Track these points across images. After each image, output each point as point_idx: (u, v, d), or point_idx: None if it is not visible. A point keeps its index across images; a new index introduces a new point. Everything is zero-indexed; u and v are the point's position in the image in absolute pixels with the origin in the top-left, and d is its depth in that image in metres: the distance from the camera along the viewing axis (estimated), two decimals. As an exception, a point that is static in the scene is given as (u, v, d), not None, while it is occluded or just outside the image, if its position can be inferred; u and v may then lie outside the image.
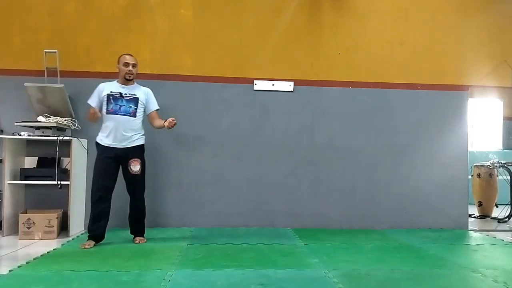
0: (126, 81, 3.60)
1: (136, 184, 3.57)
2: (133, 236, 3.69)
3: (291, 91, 4.50)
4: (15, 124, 3.90)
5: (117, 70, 3.64)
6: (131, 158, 3.51)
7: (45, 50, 4.08)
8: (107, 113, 3.51)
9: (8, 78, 4.19)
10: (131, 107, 3.56)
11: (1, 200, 3.87)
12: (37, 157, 4.15)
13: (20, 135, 3.85)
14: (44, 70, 4.11)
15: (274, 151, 4.47)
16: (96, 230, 3.47)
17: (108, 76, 4.27)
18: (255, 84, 4.47)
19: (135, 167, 3.52)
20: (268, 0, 4.55)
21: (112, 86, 3.59)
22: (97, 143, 3.52)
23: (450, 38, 4.71)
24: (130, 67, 3.58)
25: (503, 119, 6.65)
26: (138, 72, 4.33)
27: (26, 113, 4.04)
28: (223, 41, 4.47)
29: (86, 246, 3.38)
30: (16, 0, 4.29)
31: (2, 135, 3.96)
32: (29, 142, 4.16)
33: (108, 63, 4.33)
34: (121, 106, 3.53)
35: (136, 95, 3.62)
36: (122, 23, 4.38)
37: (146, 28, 4.41)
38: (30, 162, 4.15)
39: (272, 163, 4.46)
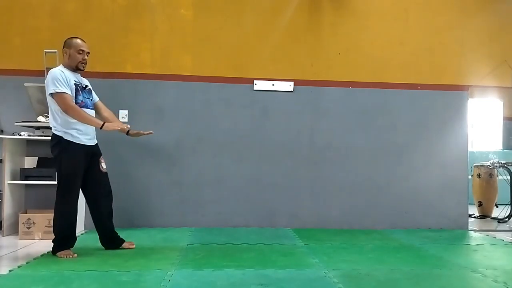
0: (78, 70, 3.19)
1: (107, 183, 3.30)
2: (111, 245, 3.33)
3: (291, 91, 4.50)
4: (15, 124, 3.91)
5: (64, 58, 3.16)
6: (100, 156, 3.28)
7: (45, 50, 4.08)
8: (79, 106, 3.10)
9: (8, 78, 4.19)
10: (91, 100, 3.26)
11: (1, 200, 3.87)
12: (37, 157, 4.15)
13: (20, 135, 3.85)
14: (44, 70, 4.10)
15: (274, 151, 4.47)
16: (74, 237, 3.19)
17: (108, 76, 4.30)
18: (255, 84, 4.47)
19: (104, 164, 3.30)
20: (268, 0, 4.55)
21: (70, 75, 3.12)
22: (68, 141, 3.05)
23: (450, 38, 4.70)
24: (85, 56, 3.18)
25: (503, 119, 6.65)
26: (138, 72, 4.37)
27: (26, 113, 4.04)
28: (223, 41, 4.47)
29: (74, 256, 3.09)
30: (16, 0, 4.29)
31: (2, 135, 3.96)
32: (29, 142, 4.16)
33: (108, 63, 4.34)
34: (87, 98, 3.17)
35: (88, 85, 3.28)
36: (122, 23, 4.38)
37: (146, 28, 4.41)
38: (30, 162, 4.15)
39: (272, 163, 4.46)
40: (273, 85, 4.48)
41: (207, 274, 2.72)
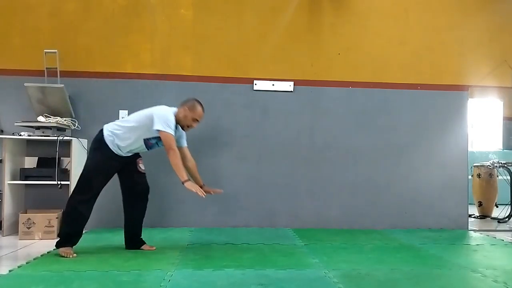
0: (180, 126, 3.28)
1: (146, 183, 3.37)
2: (133, 245, 3.36)
3: (291, 91, 4.50)
4: (15, 124, 3.90)
5: (180, 111, 3.22)
6: (137, 158, 3.33)
7: (45, 50, 4.09)
8: (144, 141, 3.18)
9: (8, 78, 4.19)
10: (157, 145, 3.26)
11: (1, 200, 3.87)
12: (37, 157, 4.15)
13: (20, 135, 3.85)
14: (44, 70, 4.11)
15: (274, 151, 4.47)
16: (80, 235, 3.19)
17: (108, 76, 4.30)
18: (255, 84, 4.47)
19: (143, 165, 3.35)
20: (268, 0, 4.55)
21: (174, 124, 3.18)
22: (107, 146, 3.13)
23: (450, 38, 4.70)
24: (196, 125, 3.31)
25: (503, 119, 6.64)
26: (138, 72, 4.38)
27: (26, 113, 4.04)
28: (223, 41, 4.47)
29: (74, 255, 3.09)
30: (16, 0, 4.29)
31: (2, 135, 3.96)
32: (29, 142, 4.16)
33: (108, 63, 4.34)
34: (153, 144, 3.23)
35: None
36: (122, 23, 4.38)
37: (146, 28, 4.41)
38: (30, 162, 4.15)
39: (272, 163, 4.46)
40: (273, 85, 4.49)
41: (207, 274, 2.72)
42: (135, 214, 3.35)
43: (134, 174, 3.32)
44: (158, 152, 4.34)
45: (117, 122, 3.27)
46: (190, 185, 3.09)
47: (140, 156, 3.37)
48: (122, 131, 3.16)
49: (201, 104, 3.27)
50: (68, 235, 3.14)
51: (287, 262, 3.05)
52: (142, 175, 3.36)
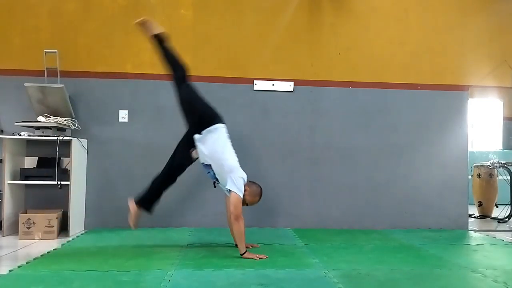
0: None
1: (184, 170, 3.58)
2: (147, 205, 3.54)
3: (291, 91, 4.50)
4: (15, 124, 3.90)
5: (248, 187, 3.32)
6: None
7: (45, 50, 4.09)
8: (206, 164, 3.37)
9: (8, 78, 4.19)
10: (204, 167, 3.43)
11: (1, 200, 3.87)
12: (37, 157, 4.15)
13: (20, 135, 3.85)
14: (44, 70, 4.11)
15: (274, 151, 4.47)
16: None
17: (108, 76, 4.31)
18: (255, 84, 4.47)
19: (196, 154, 3.45)
20: (268, 0, 4.55)
21: None
22: (203, 126, 3.38)
23: (450, 38, 4.70)
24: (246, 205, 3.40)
25: (503, 119, 6.63)
26: (138, 72, 4.38)
27: (26, 113, 4.04)
28: (223, 41, 4.47)
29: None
30: (16, 0, 4.29)
31: (2, 135, 3.96)
32: (29, 142, 4.16)
33: (108, 63, 4.34)
34: (207, 169, 3.41)
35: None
36: (122, 23, 4.37)
37: (146, 28, 4.41)
38: (30, 162, 4.15)
39: (272, 163, 4.46)
40: (273, 85, 4.49)
41: (207, 274, 2.72)
42: (165, 185, 3.50)
43: (187, 157, 3.43)
44: (159, 152, 4.35)
45: (223, 135, 3.38)
46: (250, 255, 3.15)
47: (195, 147, 3.42)
48: (214, 143, 3.29)
49: (261, 195, 3.39)
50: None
51: (287, 262, 3.05)
52: (190, 161, 3.46)
